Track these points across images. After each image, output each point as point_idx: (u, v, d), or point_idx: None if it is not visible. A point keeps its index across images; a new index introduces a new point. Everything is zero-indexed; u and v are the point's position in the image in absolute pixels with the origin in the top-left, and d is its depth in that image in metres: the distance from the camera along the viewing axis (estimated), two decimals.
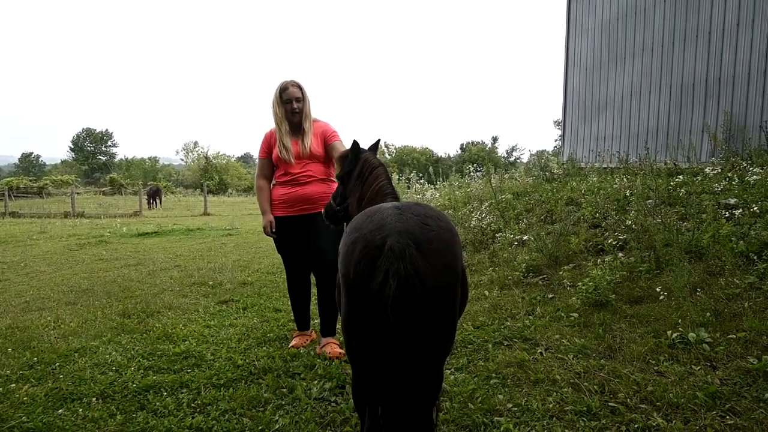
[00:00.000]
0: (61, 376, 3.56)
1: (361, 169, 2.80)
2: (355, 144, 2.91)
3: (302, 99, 3.79)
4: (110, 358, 3.86)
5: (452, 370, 3.38)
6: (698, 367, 3.09)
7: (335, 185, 3.69)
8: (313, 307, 4.40)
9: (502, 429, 2.62)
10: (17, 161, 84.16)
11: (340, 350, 3.77)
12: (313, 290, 4.33)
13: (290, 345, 4.01)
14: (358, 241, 1.81)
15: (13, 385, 3.42)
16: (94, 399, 3.17)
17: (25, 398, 3.20)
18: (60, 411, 3.03)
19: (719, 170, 6.26)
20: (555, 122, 53.95)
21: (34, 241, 12.59)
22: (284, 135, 3.79)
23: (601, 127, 11.00)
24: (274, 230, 3.90)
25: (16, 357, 3.95)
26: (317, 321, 4.51)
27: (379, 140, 3.13)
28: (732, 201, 5.16)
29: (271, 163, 3.93)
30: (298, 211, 3.83)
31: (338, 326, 4.15)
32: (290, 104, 3.75)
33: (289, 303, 4.27)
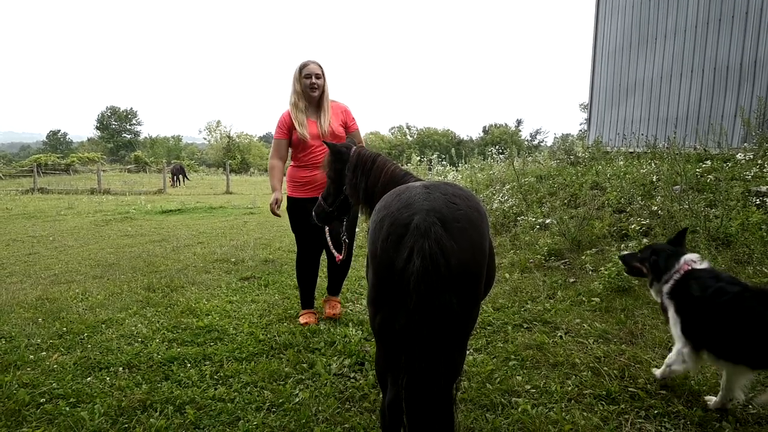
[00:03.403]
0: (90, 345, 3.67)
1: (357, 162, 2.76)
2: (333, 145, 2.92)
3: (321, 77, 3.83)
4: (136, 330, 3.97)
5: (471, 350, 3.39)
6: None
7: None
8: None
9: (519, 410, 2.63)
10: (45, 138, 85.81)
11: (335, 312, 4.15)
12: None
13: (301, 322, 4.07)
14: (385, 219, 1.83)
15: (44, 353, 3.54)
16: (120, 368, 3.27)
17: (55, 366, 3.31)
18: (88, 379, 3.13)
19: (751, 156, 6.08)
20: (581, 105, 52.92)
21: (62, 217, 12.89)
22: (300, 111, 3.81)
23: (629, 111, 10.74)
24: (279, 208, 3.96)
25: (47, 327, 4.08)
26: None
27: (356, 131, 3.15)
28: (763, 188, 5.01)
29: (287, 143, 3.94)
30: (317, 194, 3.65)
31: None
32: (309, 79, 3.79)
33: (296, 281, 4.31)
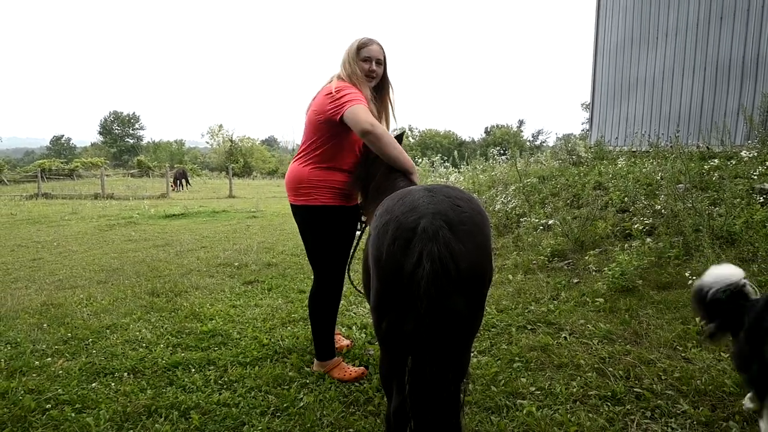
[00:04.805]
0: (94, 351, 3.68)
1: (365, 155, 2.92)
2: None
3: (382, 63, 2.93)
4: (140, 335, 3.97)
5: (475, 353, 3.38)
6: (728, 355, 3.03)
7: None
8: None
9: (524, 412, 2.62)
10: (49, 144, 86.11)
11: (343, 343, 3.51)
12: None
13: (352, 376, 3.11)
14: (390, 223, 1.81)
15: (49, 359, 3.55)
16: (125, 374, 3.27)
17: (60, 372, 3.32)
18: (93, 384, 3.13)
19: (755, 154, 6.06)
20: (582, 105, 52.87)
21: (66, 222, 12.92)
22: (369, 100, 2.82)
23: (631, 110, 10.72)
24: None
25: (51, 332, 4.09)
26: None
27: (404, 131, 3.16)
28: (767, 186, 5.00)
29: None
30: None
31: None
32: (369, 63, 2.86)
33: (315, 322, 3.19)
